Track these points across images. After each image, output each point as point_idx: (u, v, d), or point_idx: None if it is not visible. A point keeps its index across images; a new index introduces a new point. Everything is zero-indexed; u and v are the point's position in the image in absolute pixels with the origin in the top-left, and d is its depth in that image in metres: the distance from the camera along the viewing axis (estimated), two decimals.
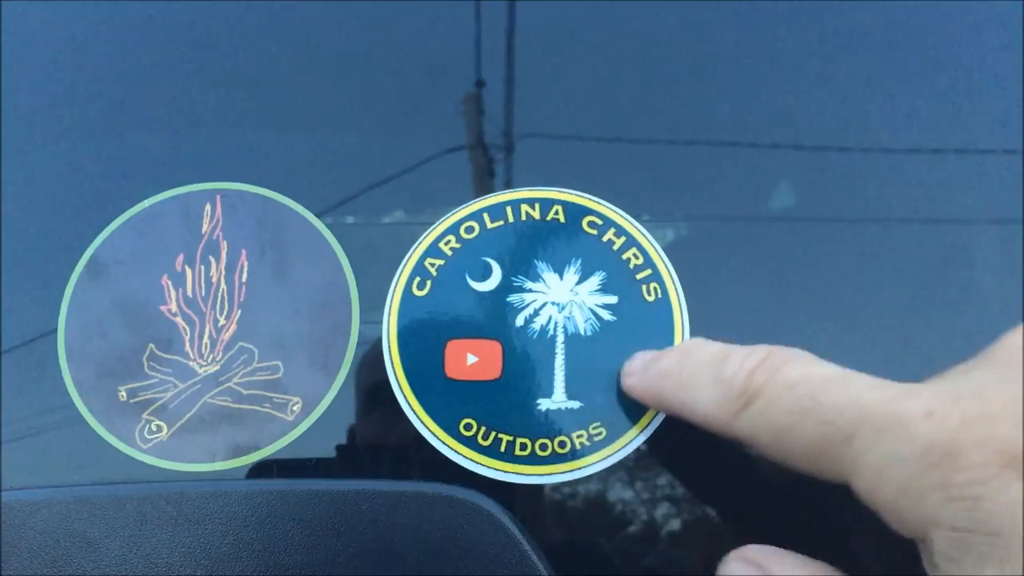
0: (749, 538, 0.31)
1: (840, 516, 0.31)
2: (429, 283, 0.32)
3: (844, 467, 0.21)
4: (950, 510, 0.19)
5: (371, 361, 0.32)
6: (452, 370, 0.31)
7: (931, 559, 0.20)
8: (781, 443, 0.22)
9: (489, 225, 0.33)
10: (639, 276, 0.32)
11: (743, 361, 0.24)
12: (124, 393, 0.32)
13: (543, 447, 0.30)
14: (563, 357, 0.31)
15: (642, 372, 0.28)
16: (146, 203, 0.34)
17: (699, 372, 0.25)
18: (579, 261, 0.32)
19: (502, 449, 0.30)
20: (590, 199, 0.33)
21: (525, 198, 0.33)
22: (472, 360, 0.31)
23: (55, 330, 0.33)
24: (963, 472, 0.19)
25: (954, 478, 0.19)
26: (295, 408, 0.32)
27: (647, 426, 0.30)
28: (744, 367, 0.23)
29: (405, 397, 0.31)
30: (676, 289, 0.32)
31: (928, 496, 0.19)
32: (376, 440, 0.32)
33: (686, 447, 0.32)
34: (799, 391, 0.22)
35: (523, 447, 0.30)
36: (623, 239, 0.32)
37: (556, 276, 0.32)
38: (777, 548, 0.24)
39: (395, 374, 0.31)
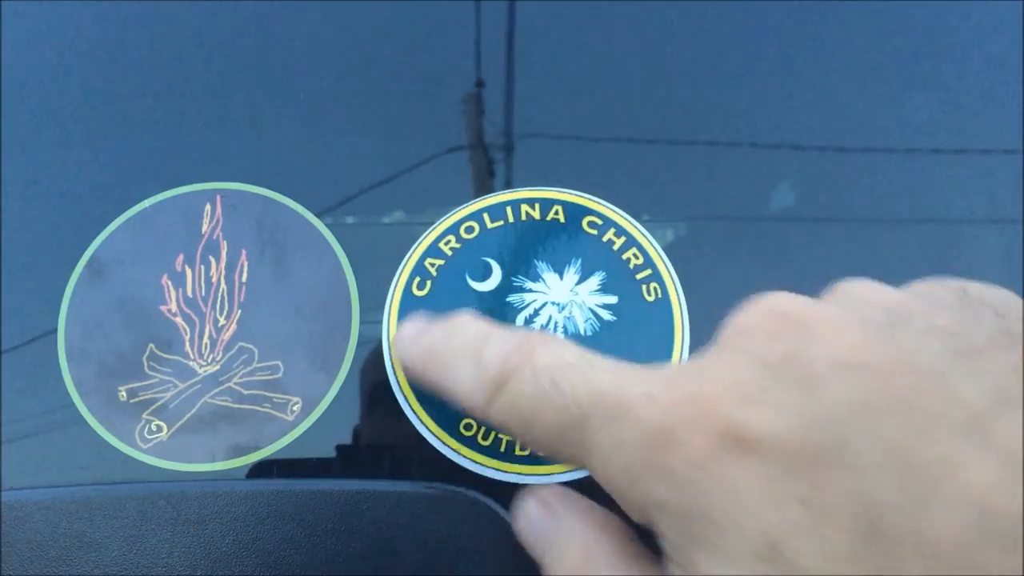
0: None
1: None
2: (429, 283, 0.32)
3: (580, 452, 0.21)
4: (670, 495, 0.18)
5: (374, 361, 0.32)
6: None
7: (663, 547, 0.19)
8: (527, 430, 0.22)
9: (489, 225, 0.33)
10: (639, 276, 0.32)
11: (500, 345, 0.23)
12: (124, 393, 0.32)
13: None
14: None
15: (410, 344, 0.27)
16: (146, 203, 0.34)
17: (460, 353, 0.24)
18: (579, 261, 0.32)
19: (502, 449, 0.30)
20: (590, 199, 0.33)
21: (525, 198, 0.33)
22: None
23: (55, 330, 0.33)
24: (680, 455, 0.18)
25: (672, 461, 0.18)
26: (295, 408, 0.32)
27: None
28: (500, 351, 0.23)
29: (405, 397, 0.31)
30: (676, 289, 0.32)
31: (649, 480, 0.19)
32: (376, 440, 0.32)
33: None
34: (543, 376, 0.21)
35: (523, 447, 0.30)
36: (623, 239, 0.32)
37: (556, 276, 0.32)
38: (570, 491, 0.24)
39: (395, 374, 0.31)
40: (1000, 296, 0.21)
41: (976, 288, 0.21)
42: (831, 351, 0.18)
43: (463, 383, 0.24)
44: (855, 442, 0.17)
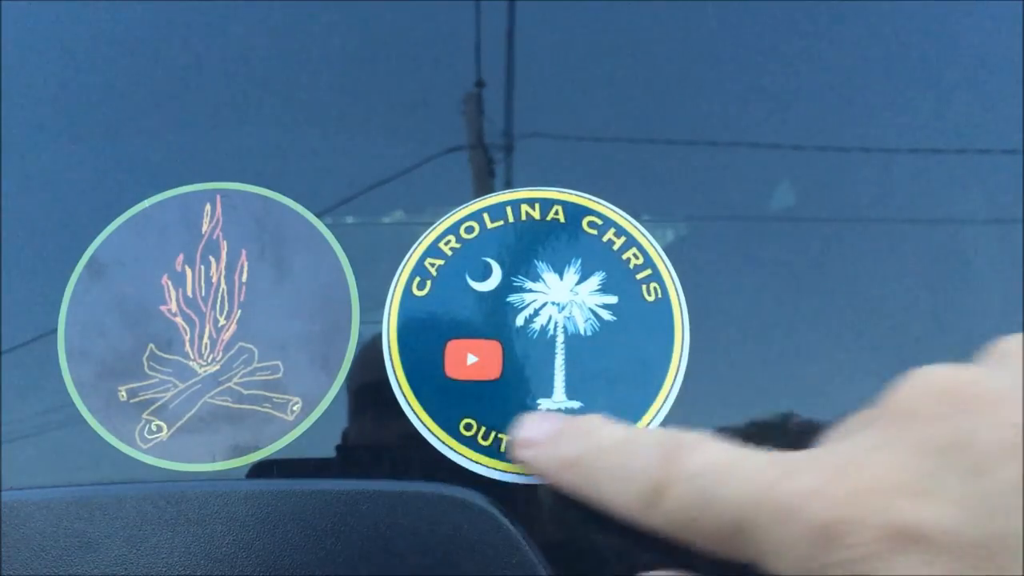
0: None
1: None
2: (429, 283, 0.32)
3: (748, 552, 0.21)
4: None
5: (374, 361, 0.32)
6: (452, 370, 0.31)
7: None
8: (690, 533, 0.22)
9: (489, 225, 0.33)
10: (639, 276, 0.32)
11: (647, 455, 0.23)
12: (124, 393, 0.32)
13: None
14: (563, 357, 0.31)
15: (543, 451, 0.27)
16: (146, 203, 0.34)
17: (605, 466, 0.24)
18: (579, 261, 0.32)
19: (502, 449, 0.30)
20: (590, 199, 0.33)
21: (525, 198, 0.33)
22: (472, 360, 0.31)
23: (55, 330, 0.33)
24: (851, 552, 0.18)
25: (844, 559, 0.18)
26: (295, 408, 0.32)
27: (647, 426, 0.30)
28: (648, 463, 0.23)
29: (405, 397, 0.31)
30: (676, 289, 0.32)
31: (822, 571, 0.19)
32: (376, 440, 0.32)
33: None
34: (699, 483, 0.22)
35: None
36: (623, 239, 0.32)
37: (556, 276, 0.32)
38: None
39: (395, 374, 0.31)
40: None
41: None
42: (997, 432, 0.18)
43: (616, 497, 0.24)
44: (1021, 524, 0.17)
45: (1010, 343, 0.21)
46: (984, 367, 0.21)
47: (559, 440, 0.26)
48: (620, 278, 0.32)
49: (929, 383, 0.20)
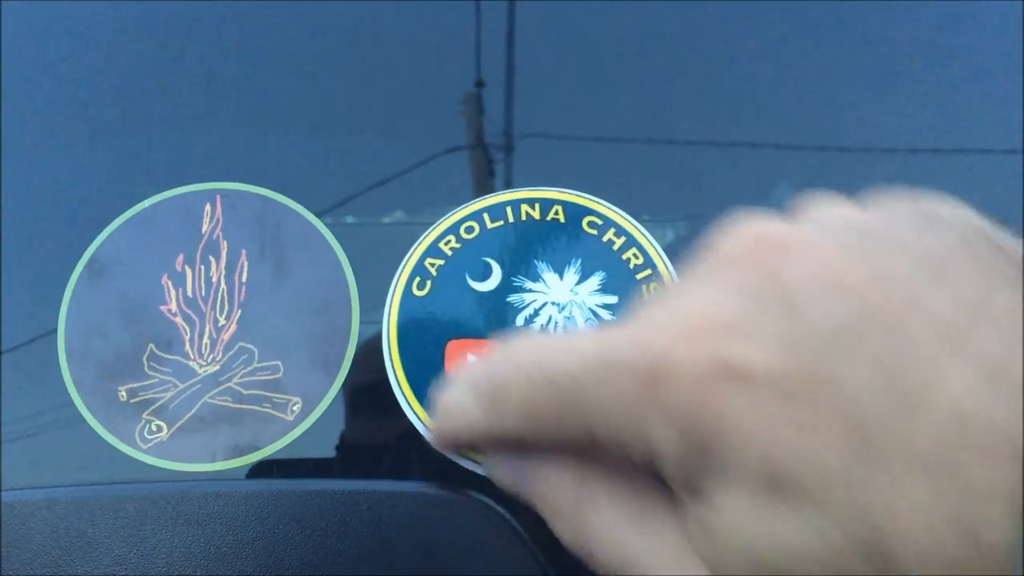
0: None
1: None
2: (429, 283, 0.32)
3: (584, 421, 0.21)
4: (671, 434, 0.19)
5: (374, 361, 0.32)
6: (452, 370, 0.31)
7: (675, 489, 0.20)
8: (531, 424, 0.22)
9: (489, 225, 0.33)
10: (639, 276, 0.32)
11: (485, 364, 0.24)
12: (124, 393, 0.32)
13: None
14: None
15: (434, 420, 0.27)
16: (146, 203, 0.34)
17: (459, 392, 0.24)
18: (579, 261, 0.32)
19: None
20: (590, 199, 0.33)
21: (525, 198, 0.33)
22: (472, 360, 0.31)
23: (55, 330, 0.33)
24: (675, 394, 0.18)
25: (668, 400, 0.19)
26: (295, 408, 0.32)
27: None
28: (485, 369, 0.23)
29: (405, 397, 0.31)
30: None
31: (650, 424, 0.19)
32: (376, 440, 0.32)
33: None
34: (530, 368, 0.22)
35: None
36: (623, 239, 0.32)
37: (556, 276, 0.32)
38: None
39: (395, 374, 0.31)
40: (950, 210, 0.21)
41: (927, 203, 0.21)
42: (809, 274, 0.18)
43: (467, 415, 0.24)
44: (842, 364, 0.17)
45: (817, 203, 0.22)
46: (797, 220, 0.21)
47: (436, 402, 0.27)
48: (620, 278, 0.32)
49: (745, 232, 0.20)
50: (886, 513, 0.16)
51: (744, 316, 0.19)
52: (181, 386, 0.32)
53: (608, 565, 0.22)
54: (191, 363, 0.32)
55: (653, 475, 0.21)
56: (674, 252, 0.32)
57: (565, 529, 0.23)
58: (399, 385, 0.31)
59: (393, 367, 0.31)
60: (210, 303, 0.33)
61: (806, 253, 0.19)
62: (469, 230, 0.33)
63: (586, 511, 0.22)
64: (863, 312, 0.18)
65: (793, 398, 0.17)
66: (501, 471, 0.25)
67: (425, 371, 0.31)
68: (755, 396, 0.18)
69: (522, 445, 0.24)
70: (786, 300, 0.18)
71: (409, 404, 0.31)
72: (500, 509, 0.29)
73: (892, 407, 0.17)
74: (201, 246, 0.34)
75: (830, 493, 0.17)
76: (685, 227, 0.36)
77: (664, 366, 0.19)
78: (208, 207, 0.34)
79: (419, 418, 0.30)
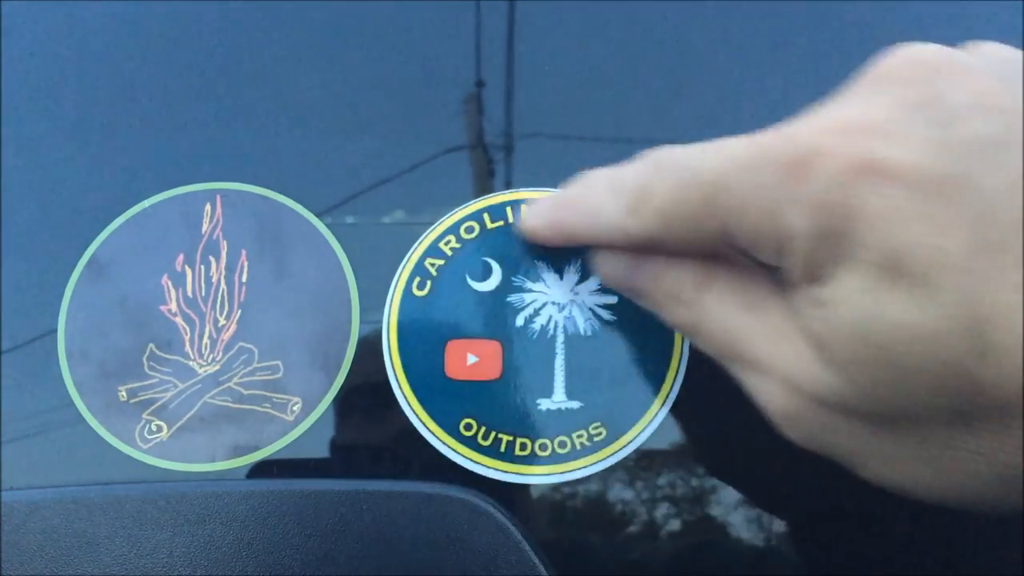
0: (749, 538, 0.31)
1: (837, 520, 0.31)
2: (429, 283, 0.32)
3: (724, 216, 0.22)
4: (806, 219, 0.20)
5: (374, 361, 0.32)
6: (452, 370, 0.31)
7: (794, 277, 0.21)
8: (671, 222, 0.24)
9: (489, 225, 0.33)
10: None
11: (631, 168, 0.25)
12: (124, 393, 0.32)
13: (543, 447, 0.30)
14: (563, 357, 0.31)
15: (543, 209, 0.29)
16: (146, 203, 0.34)
17: (597, 191, 0.26)
18: (579, 261, 0.32)
19: (502, 449, 0.30)
20: None
21: (525, 198, 0.33)
22: (472, 360, 0.31)
23: (55, 330, 0.33)
24: (819, 181, 0.20)
25: (810, 188, 0.20)
26: (295, 408, 0.32)
27: (647, 426, 0.30)
28: (635, 171, 0.25)
29: (405, 397, 0.31)
30: None
31: (787, 210, 0.20)
32: (376, 440, 0.32)
33: (686, 446, 0.32)
34: (677, 167, 0.23)
35: (523, 447, 0.30)
36: None
37: (556, 276, 0.32)
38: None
39: (395, 374, 0.31)
40: None
41: None
42: (966, 94, 0.20)
43: (604, 213, 0.26)
44: (982, 170, 0.18)
45: (979, 43, 0.23)
46: (962, 49, 0.22)
47: (559, 194, 0.29)
48: None
49: (908, 54, 0.22)
50: (993, 300, 0.18)
51: (896, 121, 0.20)
52: (181, 386, 0.32)
53: (717, 344, 0.24)
54: (191, 363, 0.32)
55: (767, 274, 0.23)
56: None
57: (678, 313, 0.25)
58: (399, 385, 0.31)
59: (393, 367, 0.31)
60: (210, 303, 0.33)
61: (961, 75, 0.20)
62: (469, 230, 0.33)
63: (703, 297, 0.24)
64: (1010, 129, 0.19)
65: (930, 195, 0.19)
66: (614, 265, 0.27)
67: (425, 371, 0.31)
68: (894, 191, 0.19)
69: (648, 246, 0.25)
70: (938, 111, 0.20)
71: (409, 404, 0.31)
72: (500, 509, 0.29)
73: (1020, 213, 0.18)
74: (201, 246, 0.34)
75: (945, 279, 0.18)
76: None
77: (811, 156, 0.20)
78: (208, 207, 0.34)
79: (419, 418, 0.30)
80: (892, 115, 0.20)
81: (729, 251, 0.24)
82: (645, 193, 0.24)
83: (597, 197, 0.26)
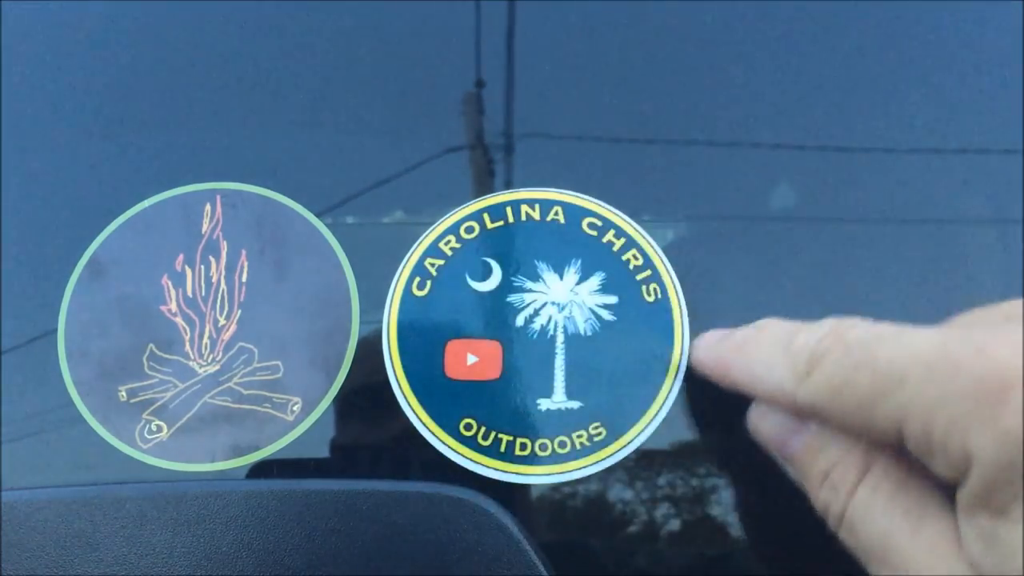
0: (749, 538, 0.31)
1: None
2: (429, 283, 0.32)
3: (897, 413, 0.21)
4: (994, 446, 0.19)
5: (374, 361, 0.32)
6: (452, 370, 0.31)
7: (967, 500, 0.20)
8: (839, 400, 0.23)
9: (489, 225, 0.33)
10: (639, 277, 0.32)
11: (810, 332, 0.24)
12: (124, 393, 0.32)
13: (543, 447, 0.30)
14: (563, 357, 0.31)
15: (714, 345, 0.29)
16: (146, 203, 0.34)
17: (769, 346, 0.26)
18: (579, 262, 0.32)
19: (502, 449, 0.30)
20: (590, 200, 0.33)
21: (525, 198, 0.33)
22: (472, 360, 0.31)
23: (55, 330, 0.33)
24: (1011, 406, 0.19)
25: (1002, 412, 0.19)
26: (295, 408, 0.32)
27: (647, 426, 0.30)
28: (811, 337, 0.24)
29: (405, 397, 0.31)
30: (676, 289, 0.32)
31: (975, 432, 0.19)
32: (376, 440, 0.32)
33: (686, 446, 0.32)
34: (855, 348, 0.22)
35: (523, 447, 0.30)
36: (623, 240, 0.32)
37: (556, 276, 0.32)
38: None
39: (395, 374, 0.31)
40: None
41: None
42: None
43: (773, 371, 0.25)
44: None
45: None
46: None
47: (733, 333, 0.28)
48: (620, 278, 0.32)
49: None
50: None
51: None
52: (181, 386, 0.32)
53: (869, 548, 0.23)
54: (191, 363, 0.32)
55: (930, 476, 0.21)
56: (674, 252, 0.32)
57: (828, 497, 0.24)
58: (399, 385, 0.31)
59: (393, 367, 0.31)
60: (210, 303, 0.33)
61: None
62: (469, 230, 0.33)
63: (864, 493, 0.23)
64: None
65: None
66: (772, 423, 0.26)
67: (425, 371, 0.31)
68: None
69: (812, 416, 0.24)
70: None
71: (409, 404, 0.31)
72: (500, 509, 0.29)
73: None
74: (201, 246, 0.34)
75: None
76: (685, 227, 0.36)
77: (1010, 380, 0.19)
78: (208, 207, 0.34)
79: (419, 418, 0.30)
80: None
81: (894, 444, 0.22)
82: (819, 362, 0.23)
83: (769, 350, 0.26)
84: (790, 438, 0.25)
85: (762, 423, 0.27)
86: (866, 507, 0.23)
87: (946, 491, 0.22)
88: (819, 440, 0.25)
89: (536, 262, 0.32)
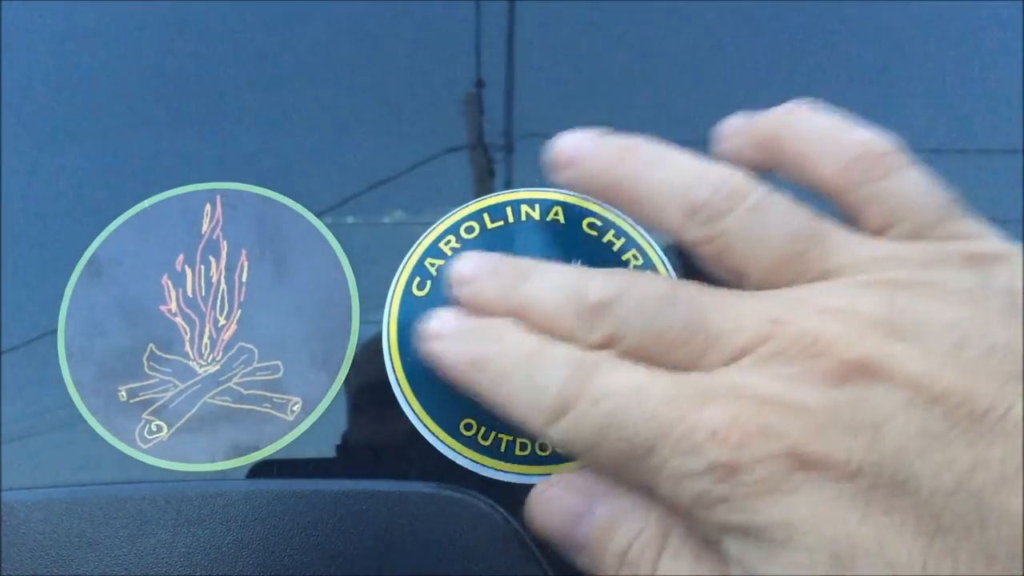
0: None
1: None
2: (429, 283, 0.32)
3: (647, 479, 0.22)
4: (739, 519, 0.20)
5: (374, 361, 0.32)
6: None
7: (729, 561, 0.21)
8: (590, 455, 0.23)
9: (489, 225, 0.33)
10: None
11: (553, 371, 0.23)
12: (124, 393, 0.32)
13: (543, 447, 0.30)
14: None
15: (450, 345, 0.26)
16: (146, 203, 0.34)
17: (512, 373, 0.24)
18: (579, 262, 0.32)
19: (502, 449, 0.30)
20: (590, 200, 0.33)
21: (525, 198, 0.33)
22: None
23: (55, 330, 0.33)
24: (746, 487, 0.19)
25: (738, 492, 0.20)
26: (295, 408, 0.32)
27: None
28: (555, 379, 0.23)
29: (405, 397, 0.31)
30: None
31: (720, 508, 0.20)
32: (376, 440, 0.32)
33: None
34: (602, 408, 0.22)
35: (523, 447, 0.30)
36: (623, 240, 0.32)
37: None
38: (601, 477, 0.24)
39: (395, 374, 0.31)
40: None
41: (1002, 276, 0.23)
42: (899, 388, 0.20)
43: (519, 406, 0.24)
44: (924, 471, 0.18)
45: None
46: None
47: (467, 336, 0.26)
48: None
49: (818, 321, 0.22)
50: None
51: (825, 420, 0.20)
52: (181, 386, 0.32)
53: None
54: (191, 363, 0.32)
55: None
56: (674, 253, 0.32)
57: (632, 570, 0.23)
58: (399, 385, 0.31)
59: (393, 367, 0.31)
60: (210, 303, 0.33)
61: (894, 369, 0.20)
62: (469, 230, 0.33)
63: (668, 564, 0.22)
64: (948, 422, 0.19)
65: (865, 495, 0.19)
66: (552, 514, 0.25)
67: (425, 371, 0.31)
68: (825, 488, 0.19)
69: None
70: (872, 417, 0.20)
71: (409, 404, 0.31)
72: (500, 509, 0.29)
73: (968, 511, 0.18)
74: (201, 246, 0.34)
75: None
76: None
77: (740, 461, 0.20)
78: (208, 207, 0.34)
79: (419, 418, 0.30)
80: (820, 408, 0.20)
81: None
82: (562, 416, 0.23)
83: (512, 384, 0.24)
84: (576, 525, 0.24)
85: (541, 514, 0.25)
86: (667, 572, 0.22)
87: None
88: (610, 519, 0.23)
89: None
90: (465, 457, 0.30)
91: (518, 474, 0.30)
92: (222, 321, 0.33)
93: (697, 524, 0.21)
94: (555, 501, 0.25)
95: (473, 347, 0.25)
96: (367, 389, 0.32)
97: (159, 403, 0.32)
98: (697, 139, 0.37)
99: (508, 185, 0.35)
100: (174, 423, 0.32)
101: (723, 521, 0.20)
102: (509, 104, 0.36)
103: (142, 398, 0.32)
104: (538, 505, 0.25)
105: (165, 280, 0.33)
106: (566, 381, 0.23)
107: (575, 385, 0.23)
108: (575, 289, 0.25)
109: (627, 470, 0.22)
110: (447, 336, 0.26)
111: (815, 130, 0.27)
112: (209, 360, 0.32)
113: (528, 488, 0.30)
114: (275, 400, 0.32)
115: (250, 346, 0.32)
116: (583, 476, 0.25)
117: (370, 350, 0.32)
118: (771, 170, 0.28)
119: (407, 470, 0.31)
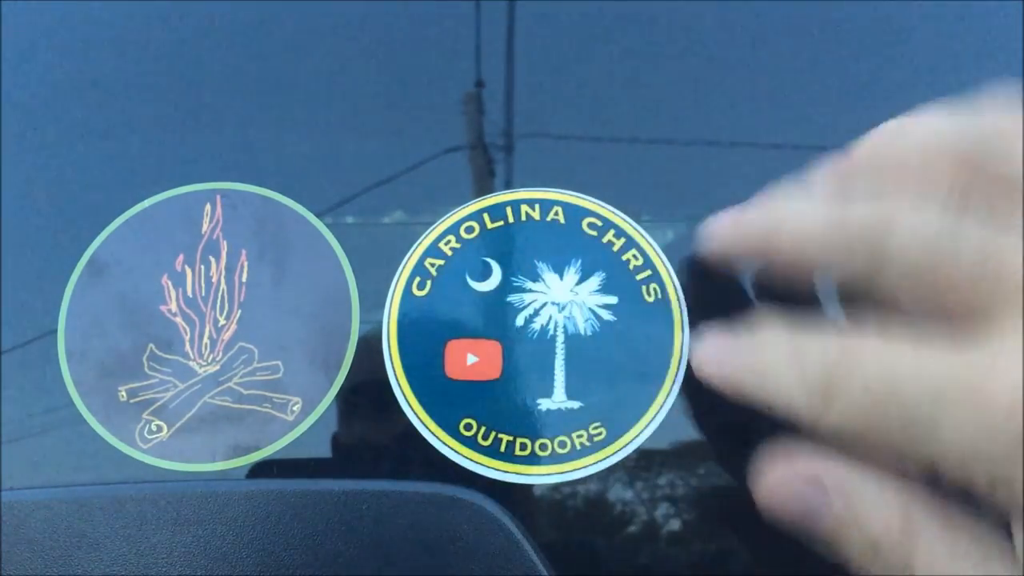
0: (749, 538, 0.31)
1: None
2: (429, 283, 0.32)
3: (927, 447, 0.20)
4: None
5: (374, 361, 0.32)
6: (452, 370, 0.31)
7: (1013, 525, 0.20)
8: (864, 438, 0.21)
9: (489, 225, 0.33)
10: (639, 277, 0.32)
11: (820, 356, 0.22)
12: (124, 393, 0.32)
13: (543, 447, 0.30)
14: (563, 357, 0.31)
15: (721, 362, 0.26)
16: (146, 203, 0.34)
17: (778, 368, 0.23)
18: (579, 262, 0.32)
19: (502, 449, 0.30)
20: (590, 200, 0.33)
21: (525, 198, 0.33)
22: (472, 360, 0.31)
23: (55, 330, 0.33)
24: None
25: None
26: (295, 408, 0.32)
27: (647, 426, 0.30)
28: (822, 363, 0.22)
29: (405, 397, 0.31)
30: (676, 289, 0.32)
31: (1012, 462, 0.18)
32: (376, 440, 0.32)
33: (686, 446, 0.32)
34: (875, 386, 0.21)
35: (523, 447, 0.30)
36: (623, 240, 0.32)
37: (556, 276, 0.32)
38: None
39: (395, 374, 0.31)
40: None
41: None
42: None
43: (790, 399, 0.23)
44: None
45: None
46: None
47: (735, 347, 0.25)
48: (620, 279, 0.32)
49: None
50: None
51: None
52: (181, 386, 0.32)
53: None
54: (191, 363, 0.32)
55: (988, 507, 0.20)
56: (674, 252, 0.32)
57: (884, 561, 0.21)
58: (399, 385, 0.31)
59: (393, 367, 0.31)
60: (210, 303, 0.33)
61: None
62: (469, 230, 0.33)
63: (916, 544, 0.21)
64: None
65: None
66: (786, 488, 0.23)
67: (425, 371, 0.31)
68: None
69: (839, 451, 0.22)
70: None
71: (409, 404, 0.31)
72: (500, 509, 0.29)
73: None
74: (201, 246, 0.34)
75: None
76: (685, 227, 0.36)
77: None
78: (208, 207, 0.34)
79: (419, 418, 0.30)
80: None
81: (949, 482, 0.20)
82: (833, 400, 0.22)
83: (778, 376, 0.23)
84: (826, 509, 0.22)
85: (776, 490, 0.24)
86: (930, 561, 0.21)
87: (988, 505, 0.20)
88: (862, 502, 0.22)
89: (536, 262, 0.32)
90: (465, 457, 0.30)
91: (518, 474, 0.30)
92: (222, 321, 0.33)
93: (981, 488, 0.19)
94: (789, 478, 0.23)
95: (741, 357, 0.25)
96: (367, 389, 0.32)
97: (159, 403, 0.32)
98: (697, 139, 0.37)
99: (508, 185, 0.35)
100: (174, 423, 0.32)
101: (1018, 479, 0.18)
102: (509, 104, 0.36)
103: (142, 398, 0.32)
104: (773, 483, 0.24)
105: (165, 280, 0.33)
106: (834, 364, 0.22)
107: (844, 367, 0.21)
108: None
109: (906, 443, 0.20)
110: (715, 354, 0.26)
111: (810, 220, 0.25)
112: (209, 360, 0.32)
113: (528, 488, 0.30)
114: (275, 400, 0.32)
115: (250, 346, 0.32)
116: (814, 461, 0.23)
117: (370, 350, 0.32)
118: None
119: (407, 470, 0.31)
